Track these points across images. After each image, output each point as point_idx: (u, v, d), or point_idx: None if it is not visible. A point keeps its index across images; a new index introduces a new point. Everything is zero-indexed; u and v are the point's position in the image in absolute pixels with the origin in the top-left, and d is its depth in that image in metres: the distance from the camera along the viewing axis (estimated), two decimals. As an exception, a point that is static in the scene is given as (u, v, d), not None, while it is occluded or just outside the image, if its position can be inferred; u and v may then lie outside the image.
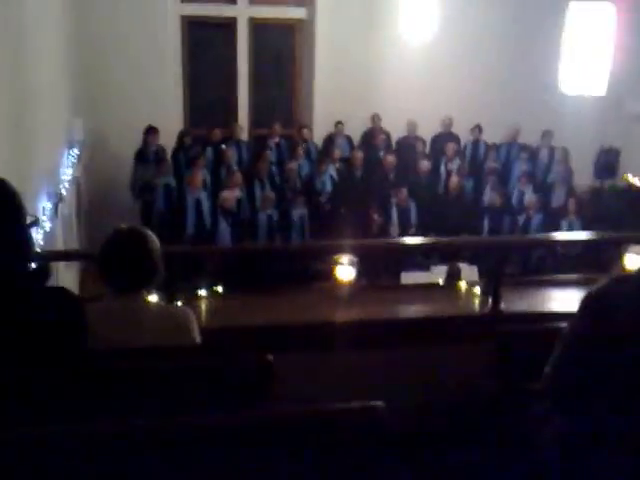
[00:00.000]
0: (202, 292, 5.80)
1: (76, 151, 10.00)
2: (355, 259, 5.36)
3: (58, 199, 8.26)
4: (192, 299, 5.65)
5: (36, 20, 7.64)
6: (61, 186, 8.61)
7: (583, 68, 6.24)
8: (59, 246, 8.29)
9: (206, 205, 10.42)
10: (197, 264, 7.56)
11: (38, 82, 7.56)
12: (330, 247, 5.89)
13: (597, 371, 2.15)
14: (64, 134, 9.78)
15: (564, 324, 2.34)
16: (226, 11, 12.28)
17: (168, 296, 5.16)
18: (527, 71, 11.70)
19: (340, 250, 5.47)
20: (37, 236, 6.90)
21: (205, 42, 12.47)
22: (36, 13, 7.61)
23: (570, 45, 6.25)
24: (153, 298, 4.99)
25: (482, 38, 12.01)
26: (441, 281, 6.66)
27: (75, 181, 9.84)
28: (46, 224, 7.42)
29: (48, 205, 7.78)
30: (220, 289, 5.97)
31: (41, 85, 7.74)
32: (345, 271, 5.35)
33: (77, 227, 9.90)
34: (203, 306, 5.68)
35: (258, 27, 12.47)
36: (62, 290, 2.73)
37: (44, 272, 2.70)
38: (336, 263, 5.37)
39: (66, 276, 7.65)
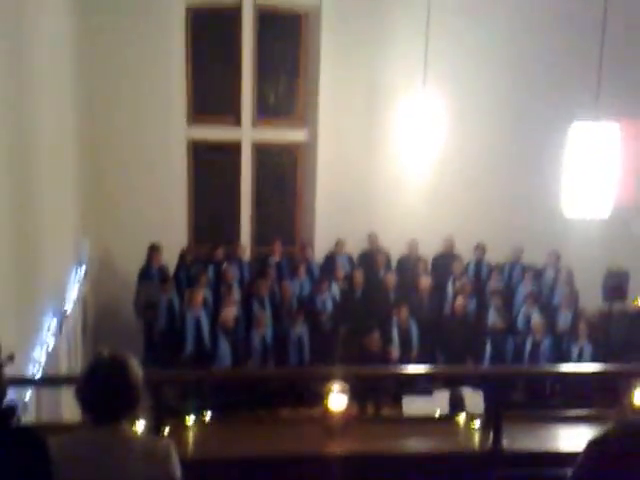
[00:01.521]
0: (190, 419, 5.43)
1: (83, 269, 9.97)
2: (348, 386, 5.02)
3: (63, 316, 8.13)
4: (179, 426, 5.30)
5: (48, 147, 7.67)
6: (66, 303, 8.51)
7: (586, 191, 6.00)
8: (62, 363, 8.09)
9: (205, 324, 10.31)
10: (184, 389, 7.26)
11: (46, 204, 7.50)
12: (322, 374, 5.60)
13: None
14: (72, 252, 9.76)
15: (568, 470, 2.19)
16: (231, 134, 12.40)
17: (154, 424, 4.88)
18: (529, 193, 11.63)
19: (332, 377, 5.15)
20: (40, 354, 6.78)
21: (210, 163, 12.64)
22: (48, 142, 7.64)
23: (572, 167, 6.04)
24: (139, 425, 4.73)
25: (483, 158, 12.04)
26: (438, 412, 6.27)
27: (82, 298, 9.78)
28: (50, 341, 7.27)
29: (53, 322, 7.64)
30: (208, 415, 5.59)
31: (49, 206, 7.70)
32: (337, 400, 4.99)
33: (82, 344, 9.76)
34: (190, 434, 5.31)
35: (261, 149, 12.56)
36: (27, 432, 2.70)
37: (10, 411, 2.68)
38: (329, 390, 5.03)
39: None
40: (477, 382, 7.31)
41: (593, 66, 6.22)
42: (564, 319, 11.02)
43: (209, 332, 10.30)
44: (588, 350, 10.22)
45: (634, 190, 10.39)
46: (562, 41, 11.77)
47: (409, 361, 10.43)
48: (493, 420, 4.94)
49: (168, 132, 11.83)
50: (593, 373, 6.49)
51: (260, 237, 12.62)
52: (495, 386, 5.17)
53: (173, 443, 3.33)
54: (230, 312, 10.27)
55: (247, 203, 12.53)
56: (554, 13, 11.85)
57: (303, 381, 7.01)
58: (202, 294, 10.54)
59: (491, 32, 11.83)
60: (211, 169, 12.62)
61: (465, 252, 12.05)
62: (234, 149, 12.43)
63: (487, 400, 5.20)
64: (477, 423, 5.10)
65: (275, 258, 11.87)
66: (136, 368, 3.12)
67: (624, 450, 2.04)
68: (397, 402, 8.76)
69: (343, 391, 5.05)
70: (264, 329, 10.34)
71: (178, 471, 3.20)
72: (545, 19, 11.87)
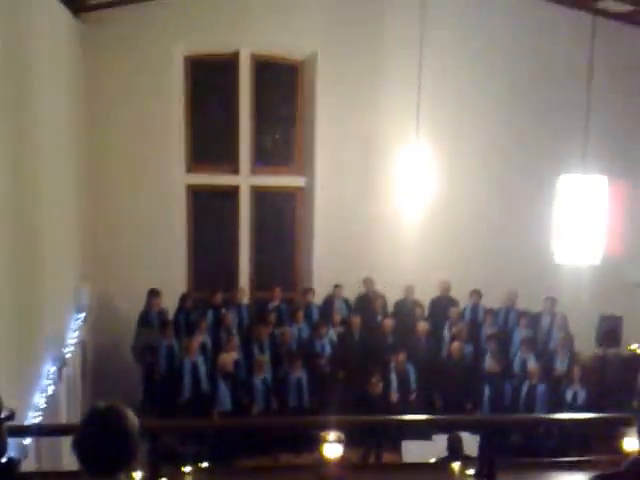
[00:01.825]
0: (187, 469, 5.45)
1: (83, 315, 10.01)
2: (343, 435, 5.05)
3: (62, 363, 8.15)
4: (176, 475, 5.31)
5: (48, 196, 7.78)
6: (66, 350, 8.53)
7: (576, 239, 6.11)
8: (62, 409, 8.08)
9: (202, 369, 10.37)
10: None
11: (46, 251, 7.59)
12: (320, 422, 5.62)
13: None
14: (71, 299, 9.81)
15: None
16: (229, 180, 12.53)
17: (151, 473, 4.89)
18: (522, 240, 11.70)
19: (330, 425, 5.18)
20: (40, 400, 6.81)
21: (209, 209, 12.77)
22: (48, 190, 7.75)
23: (562, 217, 6.16)
24: (137, 475, 4.76)
25: (476, 206, 12.23)
26: (435, 458, 6.29)
27: (81, 343, 9.80)
28: (49, 387, 7.29)
29: (52, 369, 7.67)
30: (205, 464, 5.62)
31: (49, 253, 7.78)
32: (332, 448, 5.03)
33: (82, 389, 9.76)
34: (187, 482, 5.32)
35: (259, 195, 12.69)
36: None
37: (11, 466, 2.72)
38: (324, 439, 5.06)
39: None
40: (475, 427, 7.35)
41: (581, 121, 6.36)
42: (560, 364, 11.06)
43: (208, 376, 10.35)
44: (582, 394, 10.26)
45: (623, 239, 10.50)
46: (551, 95, 12.05)
47: (408, 404, 10.47)
48: (487, 468, 4.96)
49: (167, 179, 11.96)
50: (576, 420, 6.52)
51: (259, 282, 12.67)
52: (489, 434, 5.20)
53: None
54: (229, 357, 10.35)
55: (246, 248, 12.61)
56: (543, 68, 12.12)
57: (300, 429, 7.00)
58: (199, 340, 10.62)
59: (482, 86, 12.08)
60: (210, 215, 12.74)
61: (461, 298, 12.10)
62: (232, 195, 12.55)
63: (482, 447, 5.23)
64: (471, 470, 5.13)
65: (274, 303, 11.91)
66: (132, 418, 3.06)
67: None
68: (397, 447, 8.81)
69: (338, 439, 5.07)
70: (264, 373, 10.38)
71: None
72: (534, 73, 12.13)
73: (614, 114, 11.35)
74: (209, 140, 12.64)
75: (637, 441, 4.82)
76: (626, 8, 11.53)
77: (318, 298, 12.20)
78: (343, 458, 5.10)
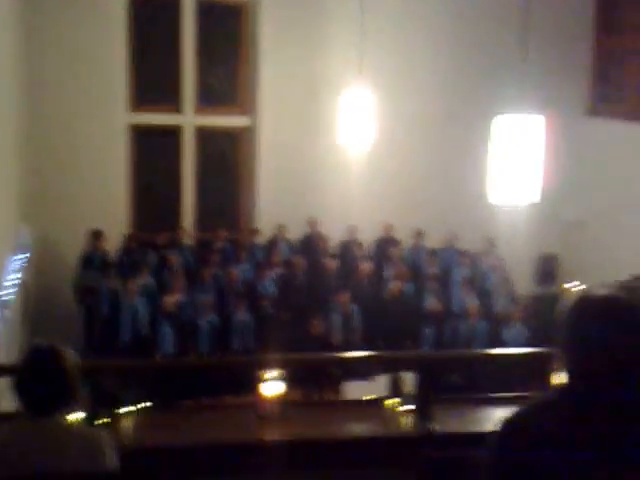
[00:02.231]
0: (127, 409, 5.45)
1: (23, 256, 9.83)
2: (284, 373, 5.11)
3: (2, 305, 8.02)
4: (117, 416, 5.30)
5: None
6: (5, 292, 8.38)
7: (512, 179, 6.16)
8: (1, 351, 7.98)
9: (142, 311, 10.28)
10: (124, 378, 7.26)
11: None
12: (259, 361, 5.67)
13: None
14: (11, 240, 9.62)
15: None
16: (172, 120, 12.38)
17: (92, 414, 4.89)
18: (461, 182, 11.80)
19: (270, 364, 5.23)
20: None
21: (151, 149, 12.60)
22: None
23: (497, 157, 6.19)
24: (77, 416, 4.75)
25: (418, 148, 12.27)
26: (369, 397, 6.40)
27: (23, 285, 9.65)
28: None
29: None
30: (146, 405, 5.62)
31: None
32: (272, 386, 5.08)
33: (23, 332, 9.65)
34: (128, 424, 5.32)
35: (203, 135, 12.57)
36: None
37: None
38: (264, 377, 5.11)
39: None
40: (414, 366, 7.46)
41: (517, 62, 6.37)
42: (498, 303, 11.27)
43: (151, 319, 10.29)
44: (522, 333, 10.46)
45: (559, 178, 10.64)
46: (488, 38, 12.04)
47: (351, 345, 10.56)
48: (423, 403, 5.06)
49: (109, 118, 11.73)
50: (510, 355, 6.67)
51: (203, 223, 12.61)
52: (425, 371, 5.29)
53: (109, 433, 3.36)
54: (172, 298, 10.27)
55: (189, 189, 12.53)
56: (482, 12, 12.15)
57: (241, 369, 7.05)
58: (140, 281, 10.54)
59: (422, 32, 12.15)
60: (153, 155, 12.59)
61: (404, 238, 12.23)
62: (176, 135, 12.40)
63: (419, 384, 5.33)
64: (409, 406, 5.22)
65: (218, 244, 11.86)
66: (72, 358, 3.11)
67: (532, 424, 2.13)
68: (337, 387, 8.92)
69: (278, 377, 5.12)
70: (210, 314, 10.37)
71: (114, 462, 3.21)
72: (472, 18, 12.17)
73: (550, 53, 11.42)
74: (152, 80, 12.41)
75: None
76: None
77: (264, 239, 12.19)
78: (282, 396, 5.16)
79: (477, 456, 2.39)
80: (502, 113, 6.11)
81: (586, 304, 2.11)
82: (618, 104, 12.11)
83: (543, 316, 11.40)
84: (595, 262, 11.32)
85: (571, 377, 2.15)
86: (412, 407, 5.23)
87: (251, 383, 8.00)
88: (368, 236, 12.30)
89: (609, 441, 2.03)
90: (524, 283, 11.90)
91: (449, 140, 12.24)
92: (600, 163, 12.04)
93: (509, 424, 2.21)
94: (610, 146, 11.90)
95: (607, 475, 1.99)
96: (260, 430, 5.09)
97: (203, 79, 12.44)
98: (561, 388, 2.17)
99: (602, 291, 2.11)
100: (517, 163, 6.10)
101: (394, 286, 11.13)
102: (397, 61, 12.08)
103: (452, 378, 9.93)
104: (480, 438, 2.29)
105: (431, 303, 10.99)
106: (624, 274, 10.32)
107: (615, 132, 11.87)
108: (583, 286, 11.09)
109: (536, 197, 6.25)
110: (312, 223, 12.20)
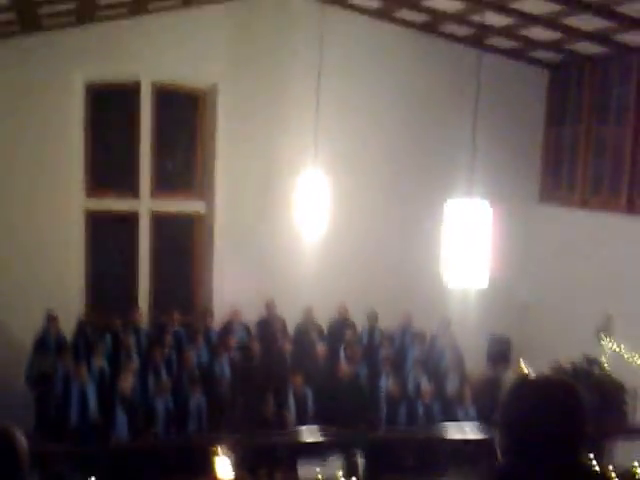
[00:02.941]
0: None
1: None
2: (233, 453, 5.05)
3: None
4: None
5: None
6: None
7: (463, 263, 6.29)
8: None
9: (92, 395, 10.09)
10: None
11: None
12: (208, 440, 5.61)
13: None
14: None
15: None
16: (129, 205, 12.46)
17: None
18: (414, 264, 12.02)
19: (220, 443, 5.18)
20: None
21: (108, 234, 12.64)
22: None
23: (449, 240, 6.33)
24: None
25: (371, 232, 12.53)
26: (322, 476, 6.35)
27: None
28: None
29: None
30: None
31: None
32: (222, 465, 5.01)
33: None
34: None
35: (159, 220, 12.64)
36: None
37: None
38: (215, 456, 5.04)
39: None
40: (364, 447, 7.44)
41: (467, 150, 6.61)
42: (452, 383, 11.31)
43: (101, 403, 10.04)
44: (473, 413, 10.48)
45: (508, 261, 10.87)
46: (440, 126, 12.52)
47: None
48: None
49: (65, 203, 11.81)
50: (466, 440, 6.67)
51: (158, 306, 12.54)
52: (374, 450, 5.29)
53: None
54: (127, 382, 10.10)
55: (145, 272, 12.52)
56: (434, 100, 12.62)
57: (192, 448, 6.92)
58: (94, 365, 10.39)
59: (376, 118, 12.54)
60: (109, 239, 12.64)
61: (359, 320, 12.28)
62: (132, 220, 12.46)
63: (367, 464, 5.31)
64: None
65: (173, 327, 11.77)
66: (21, 440, 2.95)
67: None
68: (292, 467, 8.81)
69: (228, 456, 5.07)
70: (167, 397, 10.22)
71: None
72: (425, 106, 12.63)
73: (498, 143, 11.80)
74: (109, 165, 12.58)
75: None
76: (510, 44, 12.03)
77: (218, 323, 12.13)
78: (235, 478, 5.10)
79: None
80: (453, 197, 6.31)
81: (522, 385, 2.19)
82: (569, 191, 12.41)
83: (491, 397, 11.47)
84: (546, 344, 11.47)
85: (505, 455, 2.19)
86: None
87: (202, 466, 7.91)
88: (323, 318, 12.31)
89: None
90: (476, 364, 11.96)
91: (403, 222, 12.52)
92: (551, 248, 12.35)
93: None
94: (560, 232, 12.22)
95: None
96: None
97: (160, 164, 12.59)
98: (498, 467, 2.21)
99: (543, 375, 2.21)
100: (467, 247, 6.27)
101: (344, 368, 11.11)
102: (351, 146, 12.43)
103: (407, 462, 9.87)
104: None
105: (389, 385, 10.96)
106: (575, 355, 10.53)
107: (565, 219, 12.21)
108: (528, 367, 11.28)
109: (484, 282, 6.39)
110: (270, 305, 12.21)
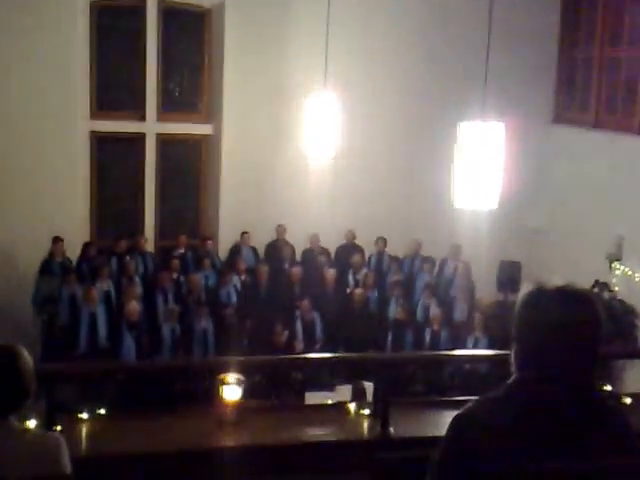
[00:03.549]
0: (84, 415, 5.34)
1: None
2: (242, 378, 5.05)
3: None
4: (72, 422, 5.20)
5: None
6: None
7: (475, 184, 6.20)
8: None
9: (102, 319, 10.09)
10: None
11: None
12: (218, 364, 5.60)
13: None
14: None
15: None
16: (135, 127, 12.28)
17: (46, 420, 4.78)
18: (425, 187, 11.87)
19: (229, 367, 5.16)
20: None
21: (114, 156, 12.55)
22: None
23: (462, 163, 6.23)
24: (31, 423, 4.64)
25: (381, 155, 12.27)
26: (330, 401, 6.37)
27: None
28: None
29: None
30: (103, 411, 5.51)
31: None
32: (231, 391, 5.02)
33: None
34: (83, 430, 5.22)
35: (166, 142, 12.49)
36: None
37: None
38: (223, 382, 5.05)
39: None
40: (374, 372, 7.43)
41: (480, 70, 6.42)
42: (460, 311, 11.29)
43: (109, 327, 10.09)
44: (483, 341, 10.46)
45: (521, 185, 10.73)
46: (452, 44, 12.11)
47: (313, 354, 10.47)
48: (381, 407, 5.04)
49: (70, 125, 11.62)
50: (468, 357, 6.65)
51: (164, 230, 12.52)
52: (383, 373, 5.27)
53: (63, 438, 3.29)
54: (135, 305, 10.12)
55: (151, 196, 12.42)
56: (446, 18, 12.22)
57: (200, 373, 6.95)
58: (101, 287, 10.39)
59: (387, 38, 12.15)
60: (114, 162, 12.52)
61: (366, 245, 12.20)
62: (138, 142, 12.29)
63: (377, 387, 5.31)
64: (366, 410, 5.20)
65: (179, 251, 11.76)
66: (28, 360, 3.02)
67: (483, 419, 2.11)
68: (300, 398, 8.84)
69: (237, 382, 5.06)
70: (174, 323, 10.21)
71: (69, 467, 3.12)
72: (437, 24, 12.23)
73: (512, 64, 11.52)
74: (115, 86, 12.35)
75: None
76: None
77: (226, 247, 12.12)
78: (241, 402, 5.10)
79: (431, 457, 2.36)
80: (465, 120, 6.16)
81: (539, 294, 2.11)
82: (582, 112, 12.26)
83: (503, 323, 11.46)
84: (557, 269, 11.40)
85: (522, 370, 2.13)
86: (369, 411, 5.20)
87: (209, 392, 7.95)
88: (330, 244, 12.24)
89: (562, 434, 2.02)
90: (486, 290, 11.93)
91: (414, 146, 12.26)
92: (563, 170, 12.16)
93: (460, 419, 2.19)
94: (574, 153, 12.03)
95: (560, 469, 1.98)
96: (219, 436, 5.03)
97: (166, 86, 12.37)
98: (513, 382, 2.15)
99: (559, 285, 2.12)
100: (479, 169, 6.16)
101: (357, 293, 11.09)
102: (362, 67, 12.10)
103: (416, 387, 9.92)
104: (437, 442, 2.27)
105: (396, 311, 10.95)
106: (586, 281, 10.48)
107: (579, 140, 12.00)
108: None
109: (494, 203, 6.31)
110: (280, 230, 12.13)
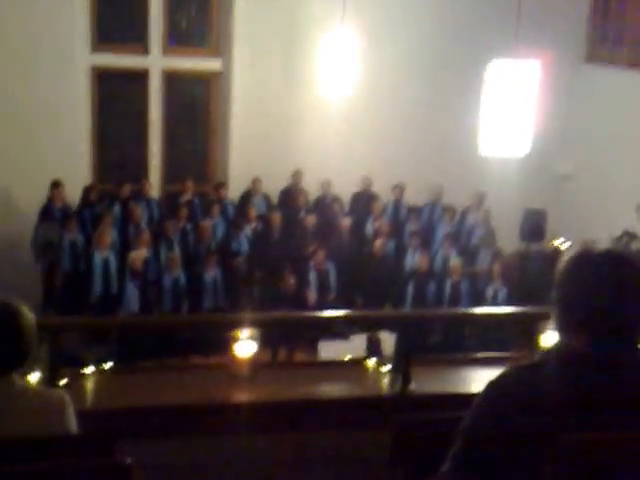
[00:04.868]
0: (89, 369, 5.36)
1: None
2: (257, 333, 5.05)
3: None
4: (78, 376, 5.23)
5: None
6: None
7: (504, 129, 6.09)
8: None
9: (114, 266, 10.20)
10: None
11: None
12: (232, 320, 5.60)
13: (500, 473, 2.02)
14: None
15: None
16: (138, 62, 12.10)
17: (50, 374, 4.80)
18: (448, 132, 11.72)
19: (243, 323, 5.16)
20: None
21: (116, 94, 12.36)
22: None
23: (490, 105, 6.11)
24: (33, 376, 4.66)
25: (402, 97, 12.03)
26: (350, 356, 6.37)
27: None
28: None
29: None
30: (110, 365, 5.54)
31: None
32: (245, 346, 5.02)
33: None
34: (89, 384, 5.26)
35: (172, 79, 12.32)
36: None
37: None
38: (237, 337, 5.05)
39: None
40: (393, 325, 7.44)
41: (512, 4, 6.28)
42: (482, 260, 11.26)
43: (117, 276, 10.20)
44: (503, 292, 10.48)
45: (552, 129, 10.56)
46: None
47: (326, 304, 10.51)
48: (402, 363, 5.03)
49: (69, 59, 11.46)
50: (493, 315, 6.67)
51: (170, 175, 12.42)
52: (405, 329, 5.26)
53: (68, 394, 3.29)
54: (140, 254, 10.15)
55: (156, 137, 12.30)
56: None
57: (212, 328, 6.98)
58: (109, 233, 10.41)
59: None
60: (117, 100, 12.34)
61: (383, 193, 12.12)
62: (142, 78, 12.12)
63: (398, 343, 5.30)
64: (387, 367, 5.20)
65: (186, 197, 11.71)
66: (27, 314, 3.03)
67: (519, 392, 2.07)
68: (313, 347, 8.89)
69: (252, 337, 5.07)
70: (177, 272, 10.26)
71: (74, 423, 3.13)
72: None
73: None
74: (117, 16, 12.11)
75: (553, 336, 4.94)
76: None
77: (235, 194, 12.06)
78: (255, 357, 5.11)
79: (454, 418, 2.32)
80: (496, 58, 6.03)
81: (589, 259, 2.06)
82: (616, 51, 11.95)
83: (528, 274, 11.44)
84: (585, 218, 11.33)
85: (568, 336, 2.09)
86: (390, 368, 5.20)
87: (220, 343, 8.01)
88: (345, 191, 12.17)
89: (613, 402, 1.98)
90: (510, 240, 11.85)
91: (438, 87, 12.02)
92: (595, 113, 11.95)
93: (495, 387, 2.15)
94: (607, 95, 11.80)
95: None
96: (232, 391, 5.07)
97: (172, 17, 12.14)
98: (557, 348, 2.11)
99: (604, 249, 2.09)
100: (510, 111, 6.04)
101: (378, 243, 11.04)
102: (382, 4, 11.83)
103: (432, 338, 9.94)
104: (461, 400, 2.24)
105: (416, 261, 10.92)
106: (613, 230, 10.40)
107: (612, 80, 11.75)
108: (569, 243, 11.17)
109: (525, 150, 6.22)
110: (297, 176, 12.03)
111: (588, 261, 2.06)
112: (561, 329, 2.12)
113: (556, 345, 2.12)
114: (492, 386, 2.16)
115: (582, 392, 2.00)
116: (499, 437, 2.04)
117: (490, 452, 2.06)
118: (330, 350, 8.54)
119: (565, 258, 2.13)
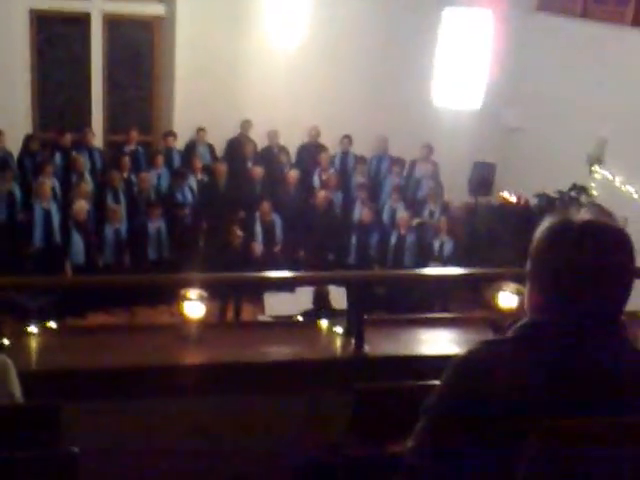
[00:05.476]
0: (32, 328, 5.15)
1: None
2: (205, 293, 4.89)
3: None
4: (21, 336, 5.03)
5: None
6: None
7: (458, 80, 5.95)
8: None
9: (56, 216, 10.00)
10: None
11: None
12: (179, 280, 5.45)
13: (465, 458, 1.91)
14: None
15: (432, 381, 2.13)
16: (79, 6, 11.73)
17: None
18: (399, 83, 11.56)
19: (191, 283, 5.00)
20: None
21: (56, 39, 11.98)
22: None
23: (444, 55, 5.96)
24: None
25: (352, 45, 11.80)
26: (300, 314, 6.27)
27: None
28: None
29: None
30: (53, 324, 5.34)
31: None
32: (194, 307, 4.86)
33: None
34: (33, 345, 5.06)
35: (114, 24, 11.98)
36: None
37: None
38: (185, 297, 4.88)
39: None
40: (340, 282, 7.36)
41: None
42: (429, 214, 11.22)
43: (60, 226, 9.96)
44: (449, 245, 10.48)
45: (503, 81, 10.42)
46: None
47: (272, 256, 10.41)
48: (356, 325, 4.93)
49: (5, 1, 11.07)
50: (448, 276, 6.63)
51: (114, 124, 12.14)
52: (358, 291, 5.16)
53: (10, 360, 3.18)
54: (83, 204, 9.94)
55: (98, 85, 11.98)
56: None
57: (158, 286, 6.80)
58: (50, 184, 10.16)
59: None
60: (57, 45, 11.98)
61: (331, 145, 11.97)
62: (83, 22, 11.76)
63: (350, 304, 5.21)
64: (339, 328, 5.09)
65: (130, 147, 11.45)
66: None
67: (491, 370, 1.93)
68: (259, 299, 8.78)
69: (200, 298, 4.91)
70: (119, 223, 10.12)
71: (17, 388, 3.06)
72: None
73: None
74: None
75: (513, 297, 4.89)
76: None
77: (181, 142, 11.81)
78: (203, 317, 4.97)
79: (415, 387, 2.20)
80: (448, 7, 5.87)
81: (568, 228, 1.92)
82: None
83: (475, 226, 11.45)
84: (534, 171, 11.31)
85: (540, 313, 1.96)
86: (341, 328, 5.09)
87: (165, 296, 7.88)
88: (293, 142, 11.99)
89: (590, 384, 1.88)
90: (459, 192, 11.80)
91: (389, 36, 11.77)
92: (546, 64, 11.80)
93: (462, 364, 1.99)
94: (558, 46, 11.64)
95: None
96: (180, 352, 4.95)
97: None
98: (526, 327, 1.98)
99: (581, 215, 1.93)
100: (463, 62, 5.90)
101: (323, 195, 10.92)
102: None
103: (377, 290, 9.86)
104: (414, 361, 2.13)
105: (361, 213, 10.83)
106: (564, 183, 10.40)
107: (563, 30, 11.54)
108: (516, 195, 11.15)
109: (478, 102, 6.09)
110: (246, 125, 11.86)
111: (567, 234, 1.93)
112: (529, 304, 2.00)
113: (528, 321, 1.99)
114: (461, 363, 2.00)
115: (558, 374, 1.89)
116: (468, 419, 1.92)
117: (458, 435, 1.93)
118: (276, 303, 8.44)
119: (542, 227, 1.98)
